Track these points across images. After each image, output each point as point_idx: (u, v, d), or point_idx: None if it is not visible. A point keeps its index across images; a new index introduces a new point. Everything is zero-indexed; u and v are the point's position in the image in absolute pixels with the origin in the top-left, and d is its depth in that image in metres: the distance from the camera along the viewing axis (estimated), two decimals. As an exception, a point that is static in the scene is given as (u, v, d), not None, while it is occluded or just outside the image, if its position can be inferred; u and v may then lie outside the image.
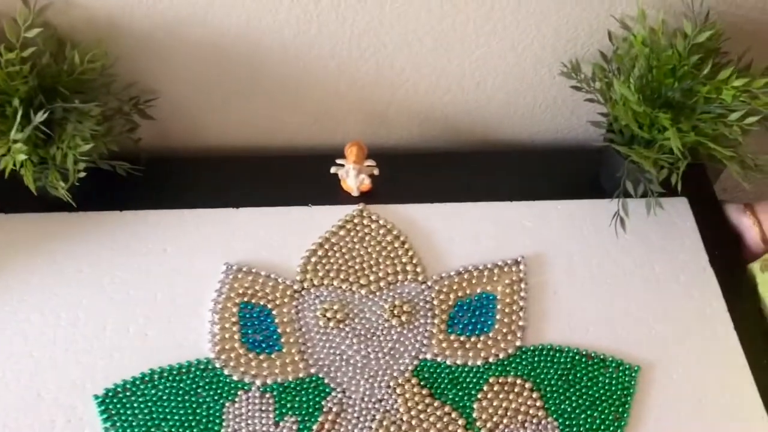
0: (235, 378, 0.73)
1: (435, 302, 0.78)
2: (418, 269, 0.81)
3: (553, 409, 0.72)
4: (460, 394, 0.73)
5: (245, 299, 0.78)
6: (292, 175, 0.90)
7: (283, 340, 0.75)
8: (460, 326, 0.77)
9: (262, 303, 0.78)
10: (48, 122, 0.74)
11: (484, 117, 0.93)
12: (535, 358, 0.75)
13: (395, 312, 0.77)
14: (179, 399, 0.72)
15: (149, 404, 0.71)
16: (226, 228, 0.84)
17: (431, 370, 0.74)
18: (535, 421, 0.71)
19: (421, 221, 0.86)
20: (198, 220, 0.85)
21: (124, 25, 0.78)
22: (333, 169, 0.86)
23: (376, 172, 0.87)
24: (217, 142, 0.94)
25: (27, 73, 0.72)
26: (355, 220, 0.85)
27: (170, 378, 0.73)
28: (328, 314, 0.77)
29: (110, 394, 0.71)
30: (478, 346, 0.76)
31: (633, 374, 0.74)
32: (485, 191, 0.89)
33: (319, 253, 0.82)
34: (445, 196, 0.88)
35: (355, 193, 0.88)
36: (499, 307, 0.78)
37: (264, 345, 0.75)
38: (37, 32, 0.71)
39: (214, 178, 0.90)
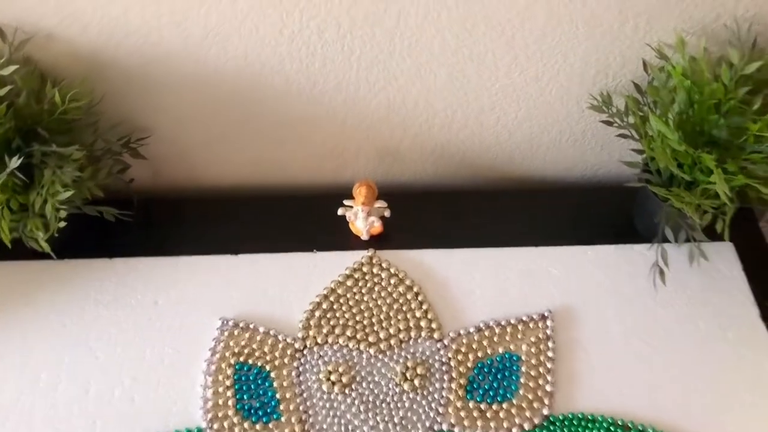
0: (228, 450, 0.66)
1: (452, 363, 0.71)
2: (434, 325, 0.74)
3: (586, 488, 0.65)
4: (480, 470, 0.65)
5: (241, 359, 0.71)
6: (295, 218, 0.84)
7: (282, 407, 0.68)
8: (481, 392, 0.69)
9: (259, 364, 0.71)
10: (27, 166, 0.69)
11: (504, 154, 0.86)
12: (565, 430, 0.67)
13: (408, 375, 0.70)
14: (166, 474, 0.65)
15: (133, 480, 0.65)
16: (223, 277, 0.78)
17: (448, 442, 0.67)
18: (565, 503, 0.64)
19: (437, 269, 0.79)
20: (192, 268, 0.79)
21: (110, 61, 0.73)
22: (340, 211, 0.80)
23: (387, 214, 0.80)
24: (214, 182, 0.88)
25: (2, 114, 0.66)
26: (364, 269, 0.78)
27: (157, 450, 0.66)
28: (333, 377, 0.70)
29: (90, 468, 0.65)
30: (501, 415, 0.68)
31: (677, 448, 0.66)
32: (507, 235, 0.81)
33: (324, 306, 0.75)
34: (463, 240, 0.81)
35: (364, 237, 0.81)
36: (523, 369, 0.70)
37: (261, 412, 0.68)
38: (14, 69, 0.66)
39: (210, 221, 0.84)
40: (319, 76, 0.76)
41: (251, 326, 0.73)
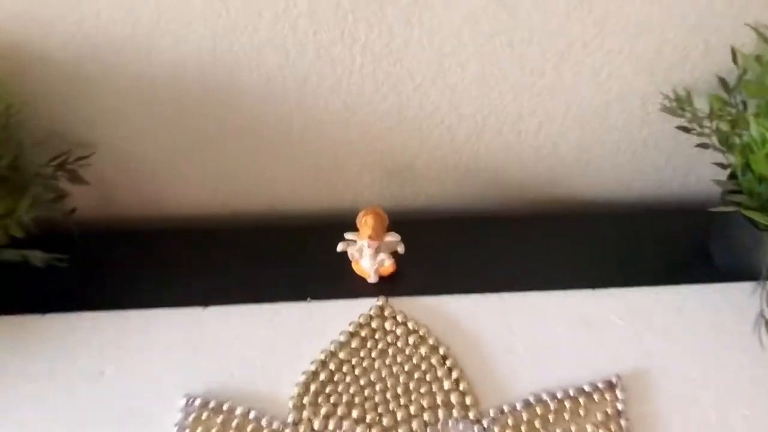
0: None
1: (496, 454, 0.53)
2: (468, 400, 0.56)
3: None
4: None
5: (212, 454, 0.53)
6: (283, 257, 0.66)
7: None
8: (537, 495, 0.52)
9: (236, 461, 0.53)
10: None
11: (546, 170, 0.69)
12: None
13: (437, 473, 0.52)
14: None
15: None
16: (189, 338, 0.60)
17: None
18: None
19: (467, 321, 0.61)
20: (149, 326, 0.61)
21: (36, 55, 0.55)
22: (341, 247, 0.62)
23: (400, 249, 0.63)
24: (178, 211, 0.70)
25: None
26: (374, 323, 0.61)
27: None
28: (336, 478, 0.52)
29: None
30: None
31: None
32: (555, 274, 0.64)
33: (322, 376, 0.57)
34: (498, 282, 0.63)
35: (372, 280, 0.64)
36: (591, 460, 0.53)
37: None
38: None
39: (174, 262, 0.66)
40: (311, 71, 0.59)
41: (225, 406, 0.55)
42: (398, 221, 0.63)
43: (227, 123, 0.63)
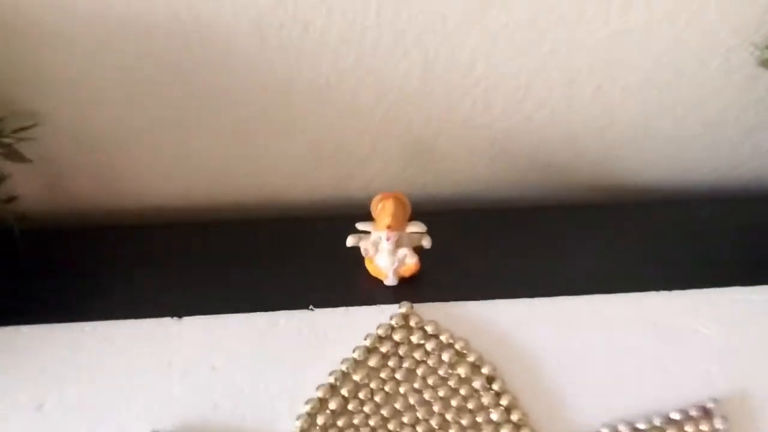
0: None
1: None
2: (524, 434, 0.43)
3: None
4: None
5: None
6: (278, 255, 0.53)
7: None
8: None
9: None
10: None
11: (600, 145, 0.57)
12: None
13: None
14: None
15: None
16: (158, 358, 0.47)
17: None
18: None
19: (514, 333, 0.49)
20: (105, 343, 0.47)
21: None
22: (351, 241, 0.50)
23: (426, 243, 0.50)
24: (144, 200, 0.57)
25: None
26: (397, 336, 0.47)
27: None
28: None
29: None
30: None
31: None
32: (617, 273, 0.52)
33: (332, 406, 0.44)
34: (548, 283, 0.51)
35: (390, 282, 0.51)
36: None
37: None
38: None
39: (140, 262, 0.53)
40: (312, 21, 0.46)
41: (205, 447, 0.42)
42: (419, 213, 0.50)
43: (207, 91, 0.50)
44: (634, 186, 0.60)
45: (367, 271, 0.52)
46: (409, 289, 0.51)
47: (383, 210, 0.49)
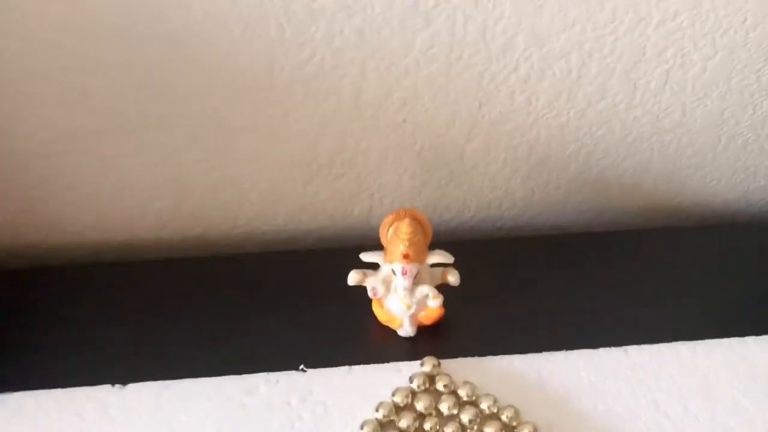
0: None
1: None
2: None
3: None
4: None
5: None
6: (260, 300, 0.42)
7: None
8: None
9: None
10: None
11: (668, 152, 0.46)
12: None
13: None
14: None
15: None
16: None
17: None
18: None
19: (575, 395, 0.37)
20: (23, 419, 0.35)
21: None
22: (353, 278, 0.39)
23: (453, 280, 0.39)
24: (87, 231, 0.45)
25: None
26: (420, 404, 0.35)
27: None
28: None
29: None
30: None
31: None
32: (707, 315, 0.41)
33: (333, 507, 0.32)
34: (612, 329, 0.40)
35: (406, 332, 0.40)
36: None
37: None
38: None
39: (71, 310, 0.41)
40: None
41: None
42: (440, 243, 0.39)
43: (172, 85, 0.39)
44: (701, 206, 0.49)
45: (375, 317, 0.40)
46: (431, 342, 0.40)
47: (397, 234, 0.37)
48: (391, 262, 0.38)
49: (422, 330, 0.41)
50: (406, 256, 0.38)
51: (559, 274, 0.44)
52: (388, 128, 0.43)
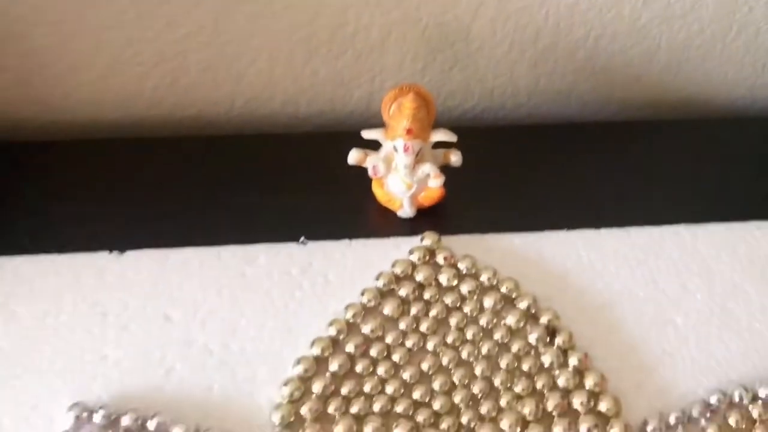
0: None
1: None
2: (604, 404, 0.32)
3: None
4: None
5: None
6: (257, 175, 0.42)
7: None
8: None
9: None
10: None
11: (678, 44, 0.46)
12: None
13: None
14: None
15: None
16: (90, 303, 0.35)
17: None
18: None
19: (575, 272, 0.38)
20: (20, 283, 0.36)
21: None
22: (353, 157, 0.39)
23: (455, 160, 0.39)
24: (81, 107, 0.45)
25: None
26: (419, 275, 0.36)
27: None
28: None
29: None
30: None
31: None
32: (704, 198, 0.42)
33: (333, 367, 0.32)
34: (612, 212, 0.41)
35: (406, 213, 0.40)
36: None
37: None
38: None
39: (70, 181, 0.41)
40: None
41: (152, 424, 0.31)
42: (445, 124, 0.39)
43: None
44: (711, 103, 0.49)
45: (375, 200, 0.41)
46: (430, 223, 0.40)
47: (400, 109, 0.38)
48: (392, 138, 0.38)
49: (422, 212, 0.41)
50: (408, 132, 0.38)
51: (564, 161, 0.44)
52: (391, 2, 0.42)
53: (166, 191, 0.41)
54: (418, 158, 0.39)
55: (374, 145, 0.39)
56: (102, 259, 0.37)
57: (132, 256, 0.37)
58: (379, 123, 0.39)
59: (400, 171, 0.39)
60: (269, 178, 0.42)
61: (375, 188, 0.41)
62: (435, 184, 0.39)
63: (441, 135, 0.39)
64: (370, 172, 0.39)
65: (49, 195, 0.40)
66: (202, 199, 0.40)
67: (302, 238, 0.38)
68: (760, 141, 0.46)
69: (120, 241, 0.37)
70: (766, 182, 0.43)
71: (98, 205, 0.40)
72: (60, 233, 0.38)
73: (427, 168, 0.39)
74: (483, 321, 0.35)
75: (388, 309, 0.35)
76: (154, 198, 0.40)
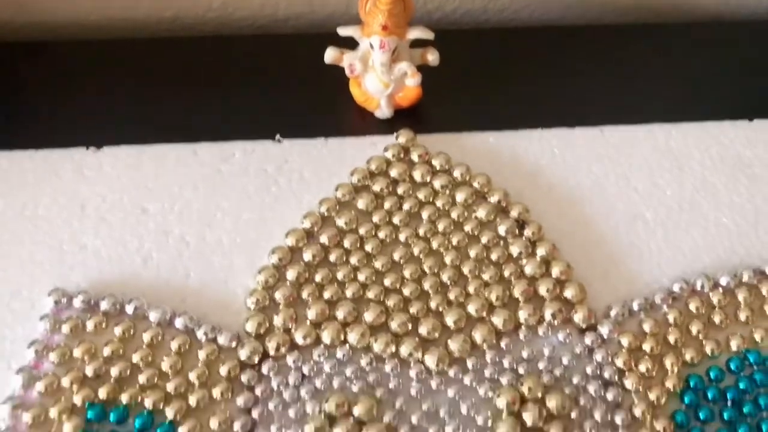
0: None
1: (628, 382, 0.31)
2: (570, 292, 0.33)
3: None
4: None
5: (102, 395, 0.30)
6: (232, 74, 0.42)
7: None
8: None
9: (147, 405, 0.30)
10: None
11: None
12: None
13: (527, 419, 0.30)
14: None
15: None
16: (69, 196, 0.36)
17: None
18: None
19: (546, 167, 0.39)
20: (7, 179, 0.37)
21: None
22: (329, 55, 0.39)
23: (432, 58, 0.40)
24: (62, 10, 0.45)
25: None
26: (393, 171, 0.37)
27: None
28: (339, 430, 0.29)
29: None
30: None
31: None
32: (680, 99, 0.43)
33: (307, 257, 0.34)
34: (588, 111, 0.41)
35: (383, 113, 0.41)
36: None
37: None
38: None
39: (49, 79, 0.41)
40: None
41: (130, 308, 0.32)
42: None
43: None
44: (695, 8, 0.49)
45: (352, 100, 0.41)
46: (407, 123, 0.40)
47: (376, 5, 0.37)
48: (368, 35, 0.38)
49: (399, 113, 0.41)
50: (384, 28, 0.38)
51: (542, 63, 0.44)
52: None
53: (143, 91, 0.41)
54: (395, 57, 0.39)
55: (352, 45, 0.39)
56: (79, 153, 0.37)
57: (109, 151, 0.37)
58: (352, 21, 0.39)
59: (377, 69, 0.39)
60: (246, 79, 0.42)
61: (352, 88, 0.41)
62: (412, 82, 0.39)
63: (418, 32, 0.39)
64: (347, 71, 0.40)
65: (28, 94, 0.41)
66: (179, 98, 0.41)
67: (278, 136, 0.39)
68: (738, 44, 0.47)
69: (97, 138, 0.38)
70: (743, 83, 0.44)
71: (76, 104, 0.40)
72: (38, 131, 0.39)
73: (404, 66, 0.39)
74: (454, 214, 0.36)
75: (362, 203, 0.36)
76: (131, 97, 0.41)
